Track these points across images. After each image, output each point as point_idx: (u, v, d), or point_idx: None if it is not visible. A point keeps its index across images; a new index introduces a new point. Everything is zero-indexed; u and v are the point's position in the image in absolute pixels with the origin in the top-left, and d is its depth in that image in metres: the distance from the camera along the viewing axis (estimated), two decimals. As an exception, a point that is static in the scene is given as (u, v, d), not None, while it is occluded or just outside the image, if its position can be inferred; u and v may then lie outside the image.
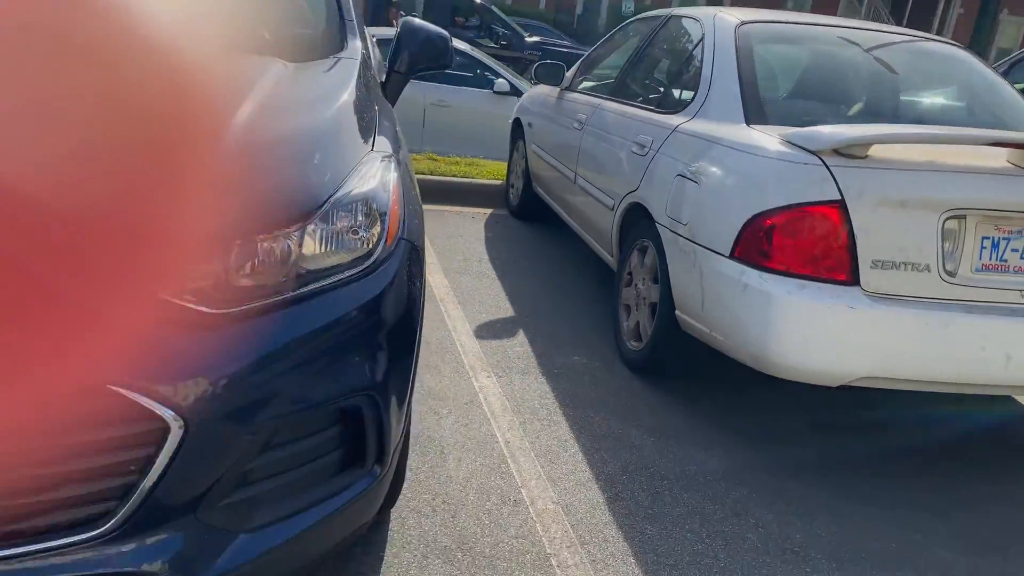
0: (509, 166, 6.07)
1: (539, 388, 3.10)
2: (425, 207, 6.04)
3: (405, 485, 2.33)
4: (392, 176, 1.71)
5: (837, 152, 2.47)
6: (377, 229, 1.61)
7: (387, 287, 1.60)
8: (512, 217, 5.81)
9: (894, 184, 2.43)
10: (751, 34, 3.26)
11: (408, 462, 2.45)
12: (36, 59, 0.29)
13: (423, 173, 6.33)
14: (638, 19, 4.61)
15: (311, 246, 1.47)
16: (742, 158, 2.69)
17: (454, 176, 6.38)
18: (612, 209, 3.64)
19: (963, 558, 2.32)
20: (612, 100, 4.09)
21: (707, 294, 2.73)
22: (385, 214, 1.63)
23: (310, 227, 1.47)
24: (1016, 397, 3.49)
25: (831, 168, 2.44)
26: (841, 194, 2.41)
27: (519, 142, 5.74)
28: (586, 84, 4.77)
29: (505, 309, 3.92)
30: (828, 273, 2.44)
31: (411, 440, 2.57)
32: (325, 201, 1.50)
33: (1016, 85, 4.92)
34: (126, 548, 1.32)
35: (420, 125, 8.39)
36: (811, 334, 2.42)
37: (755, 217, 2.52)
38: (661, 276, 3.07)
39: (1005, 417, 3.32)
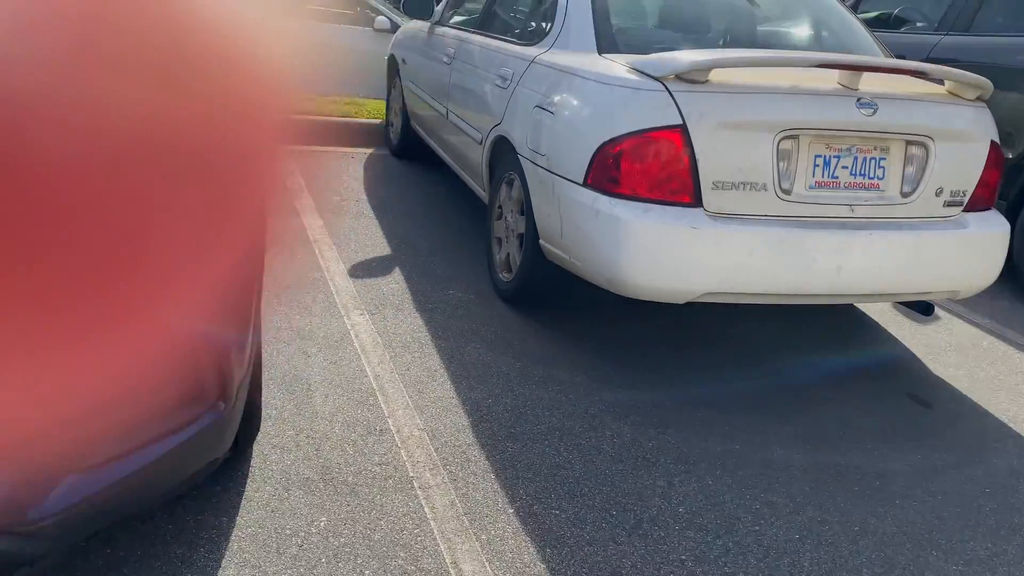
0: (388, 104, 5.99)
1: (412, 323, 3.14)
2: (302, 147, 5.93)
3: (269, 423, 2.35)
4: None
5: (679, 78, 2.56)
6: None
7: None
8: (392, 156, 5.75)
9: (732, 107, 2.54)
10: (604, -36, 3.29)
11: (273, 400, 2.47)
12: None
13: (300, 113, 6.17)
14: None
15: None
16: (591, 87, 2.75)
17: (332, 115, 6.24)
18: (481, 143, 3.67)
19: (800, 454, 2.52)
20: (478, 33, 4.08)
21: (565, 222, 2.80)
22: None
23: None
24: (857, 305, 3.75)
25: (674, 94, 2.53)
26: (683, 118, 2.51)
27: (396, 79, 5.65)
28: (456, 18, 4.72)
29: (382, 248, 3.92)
30: (672, 196, 2.55)
31: (278, 380, 2.59)
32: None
33: (868, 14, 5.15)
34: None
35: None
36: (658, 255, 2.54)
37: (604, 144, 2.60)
38: (526, 207, 3.13)
39: (845, 324, 3.57)
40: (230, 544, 1.87)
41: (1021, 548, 2.18)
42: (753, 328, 3.41)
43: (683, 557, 1.99)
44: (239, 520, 1.95)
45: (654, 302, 2.72)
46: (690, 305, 2.72)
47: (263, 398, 2.45)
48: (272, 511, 1.99)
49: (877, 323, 3.62)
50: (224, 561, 1.82)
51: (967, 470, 2.52)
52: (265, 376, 2.59)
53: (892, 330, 3.55)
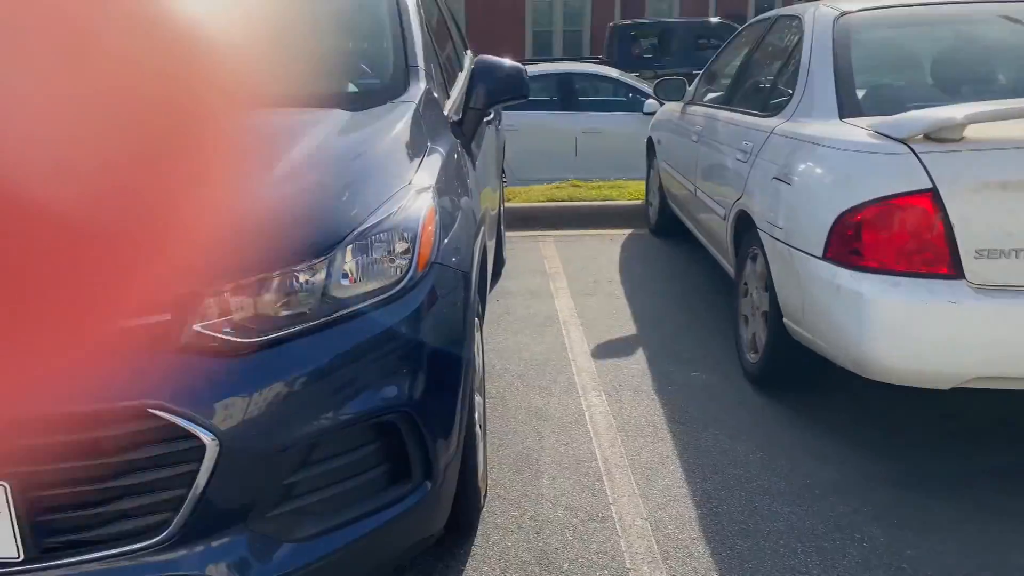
0: (647, 184, 6.06)
1: (649, 405, 3.07)
2: (564, 232, 6.12)
3: (495, 503, 2.41)
4: (425, 206, 1.83)
5: (928, 137, 2.31)
6: (407, 257, 1.72)
7: (417, 310, 1.70)
8: (651, 235, 5.77)
9: (994, 166, 2.23)
10: (851, 24, 3.09)
11: (502, 480, 2.53)
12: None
13: (563, 200, 6.45)
14: (750, 24, 4.49)
15: (336, 276, 1.61)
16: (829, 154, 2.57)
17: (594, 200, 6.44)
18: (724, 218, 3.56)
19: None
20: (722, 108, 4.02)
21: (806, 298, 2.61)
22: (414, 242, 1.74)
23: (336, 258, 1.61)
24: None
25: (920, 155, 2.28)
26: (933, 182, 2.24)
27: (653, 159, 5.72)
28: (706, 96, 4.69)
29: (628, 328, 3.91)
30: (926, 267, 2.27)
31: (510, 460, 2.65)
32: (349, 234, 1.64)
33: None
34: (184, 553, 1.50)
35: (572, 154, 8.54)
36: (911, 334, 2.26)
37: (843, 214, 2.40)
38: (769, 283, 2.97)
39: None
40: (443, 622, 1.93)
41: None
42: (1057, 418, 2.87)
43: None
44: (454, 598, 2.01)
45: (915, 388, 2.41)
46: (957, 391, 2.37)
47: (494, 478, 2.53)
48: (485, 592, 2.02)
49: None
50: (435, 638, 1.87)
51: None
52: (497, 456, 2.67)
53: None
